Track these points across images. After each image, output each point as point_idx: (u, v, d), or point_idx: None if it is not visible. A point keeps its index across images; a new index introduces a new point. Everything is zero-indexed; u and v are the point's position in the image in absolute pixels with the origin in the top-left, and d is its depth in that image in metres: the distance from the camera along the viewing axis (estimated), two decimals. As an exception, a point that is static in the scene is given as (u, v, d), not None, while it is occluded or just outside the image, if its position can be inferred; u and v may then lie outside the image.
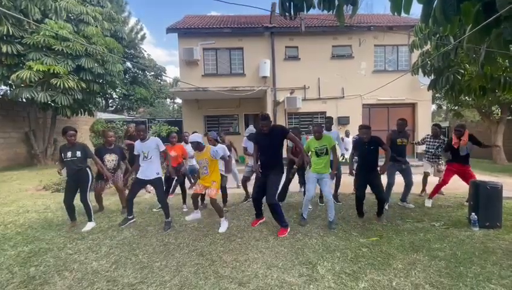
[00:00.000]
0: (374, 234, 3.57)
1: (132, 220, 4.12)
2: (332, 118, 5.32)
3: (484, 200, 3.72)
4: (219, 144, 4.75)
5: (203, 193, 3.99)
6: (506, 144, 10.70)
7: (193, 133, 5.46)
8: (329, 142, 3.92)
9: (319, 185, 3.97)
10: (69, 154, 3.80)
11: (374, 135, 4.02)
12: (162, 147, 4.06)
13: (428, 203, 4.80)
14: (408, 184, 4.69)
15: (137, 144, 4.00)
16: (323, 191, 3.94)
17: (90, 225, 3.93)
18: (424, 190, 5.62)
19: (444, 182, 4.73)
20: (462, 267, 2.70)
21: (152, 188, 4.24)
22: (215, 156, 3.76)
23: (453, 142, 4.61)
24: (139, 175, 3.97)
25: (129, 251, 3.17)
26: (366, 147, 3.97)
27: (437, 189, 4.82)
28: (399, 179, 4.67)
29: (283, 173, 3.79)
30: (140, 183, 4.02)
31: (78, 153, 3.82)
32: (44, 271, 2.74)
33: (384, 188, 4.52)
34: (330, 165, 4.03)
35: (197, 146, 3.80)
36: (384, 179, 4.28)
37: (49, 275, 2.67)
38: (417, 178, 5.19)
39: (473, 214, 3.74)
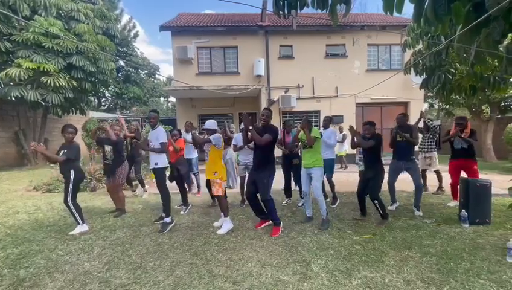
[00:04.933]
0: (367, 232, 3.61)
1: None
2: (330, 117, 5.23)
3: (474, 197, 3.79)
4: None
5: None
6: (495, 142, 10.93)
7: (188, 122, 5.56)
8: (315, 134, 3.87)
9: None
10: (61, 152, 3.73)
11: (377, 133, 3.97)
12: (161, 139, 3.80)
13: (452, 203, 4.72)
14: (417, 187, 4.35)
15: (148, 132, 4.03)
16: (312, 187, 3.89)
17: (77, 229, 3.72)
18: (425, 184, 5.71)
19: (453, 182, 4.63)
20: (452, 263, 2.75)
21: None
22: (214, 143, 3.70)
23: (450, 133, 4.50)
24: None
25: (122, 251, 3.14)
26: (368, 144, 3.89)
27: (454, 190, 4.69)
28: (403, 175, 4.57)
29: (274, 171, 3.69)
30: None
31: (66, 152, 3.69)
32: (35, 273, 2.69)
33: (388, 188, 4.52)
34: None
35: (211, 134, 3.79)
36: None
37: (40, 277, 2.63)
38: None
39: (463, 211, 3.81)
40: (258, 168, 3.63)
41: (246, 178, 4.23)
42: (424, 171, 5.64)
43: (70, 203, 3.70)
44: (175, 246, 3.25)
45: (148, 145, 3.93)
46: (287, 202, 5.02)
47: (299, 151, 4.45)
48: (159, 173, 3.88)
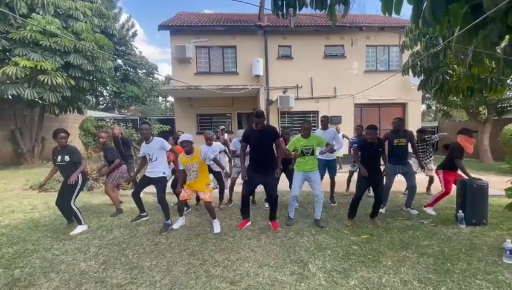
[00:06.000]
0: (364, 232, 3.61)
1: (145, 218, 4.12)
2: (328, 117, 5.21)
3: (471, 198, 3.81)
4: (214, 142, 4.79)
5: (191, 198, 3.84)
6: (492, 143, 10.99)
7: (180, 132, 5.13)
8: (319, 142, 3.87)
9: (309, 184, 3.92)
10: (59, 158, 3.69)
11: (379, 137, 3.92)
12: (168, 147, 3.94)
13: (430, 211, 4.44)
14: (411, 189, 4.42)
15: (143, 145, 3.96)
16: (315, 190, 3.85)
17: (79, 229, 3.71)
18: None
19: (446, 192, 4.37)
20: (449, 263, 2.76)
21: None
22: (205, 158, 3.64)
23: (469, 150, 4.22)
24: (146, 173, 3.96)
25: (119, 251, 3.12)
26: (375, 148, 3.80)
27: (439, 198, 4.42)
28: (400, 178, 4.51)
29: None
30: (145, 181, 3.98)
31: (66, 158, 3.67)
32: (30, 273, 2.67)
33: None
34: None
35: (191, 148, 3.58)
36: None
37: (35, 276, 2.60)
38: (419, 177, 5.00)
39: (460, 211, 3.83)
40: (265, 168, 3.61)
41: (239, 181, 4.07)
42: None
43: (73, 206, 3.71)
44: (172, 246, 3.24)
45: (148, 159, 3.92)
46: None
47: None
48: (164, 183, 3.90)
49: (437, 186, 5.53)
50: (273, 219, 3.83)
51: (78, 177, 3.68)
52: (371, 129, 3.79)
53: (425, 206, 4.56)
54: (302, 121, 4.90)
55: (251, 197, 4.48)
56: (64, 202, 3.71)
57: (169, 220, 3.82)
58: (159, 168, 3.87)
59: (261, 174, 3.62)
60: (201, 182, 3.67)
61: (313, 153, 3.83)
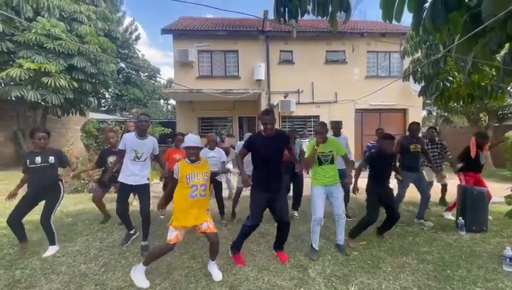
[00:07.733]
0: (364, 238, 3.60)
1: (135, 235, 3.47)
2: (340, 121, 4.62)
3: (471, 204, 3.81)
4: (216, 147, 4.34)
5: (181, 239, 2.59)
6: (493, 150, 10.97)
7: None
8: (337, 148, 3.21)
9: (329, 200, 3.23)
10: (38, 159, 2.99)
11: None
12: (156, 151, 3.39)
13: (448, 215, 4.47)
14: (426, 198, 4.14)
15: (130, 137, 3.22)
16: (336, 208, 3.16)
17: (53, 249, 3.12)
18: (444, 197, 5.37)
19: None
20: (449, 270, 2.75)
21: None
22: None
23: (472, 152, 4.20)
24: (125, 179, 3.20)
25: (119, 254, 3.13)
26: (387, 161, 3.41)
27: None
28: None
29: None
30: (126, 190, 3.32)
31: (51, 159, 3.04)
32: (30, 274, 2.68)
33: None
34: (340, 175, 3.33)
35: (197, 154, 2.61)
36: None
37: (35, 278, 2.61)
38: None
39: (460, 218, 3.83)
40: (273, 182, 2.86)
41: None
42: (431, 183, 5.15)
43: (52, 222, 3.17)
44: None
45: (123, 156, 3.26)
46: None
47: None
48: (149, 191, 3.37)
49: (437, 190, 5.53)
50: (280, 249, 3.07)
51: (60, 186, 3.19)
52: (388, 139, 3.32)
53: (445, 210, 4.62)
54: (303, 126, 4.71)
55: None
56: (24, 215, 3.09)
57: (135, 231, 3.51)
58: (144, 172, 3.26)
59: (270, 192, 2.84)
60: (205, 204, 2.65)
61: (332, 162, 3.15)
